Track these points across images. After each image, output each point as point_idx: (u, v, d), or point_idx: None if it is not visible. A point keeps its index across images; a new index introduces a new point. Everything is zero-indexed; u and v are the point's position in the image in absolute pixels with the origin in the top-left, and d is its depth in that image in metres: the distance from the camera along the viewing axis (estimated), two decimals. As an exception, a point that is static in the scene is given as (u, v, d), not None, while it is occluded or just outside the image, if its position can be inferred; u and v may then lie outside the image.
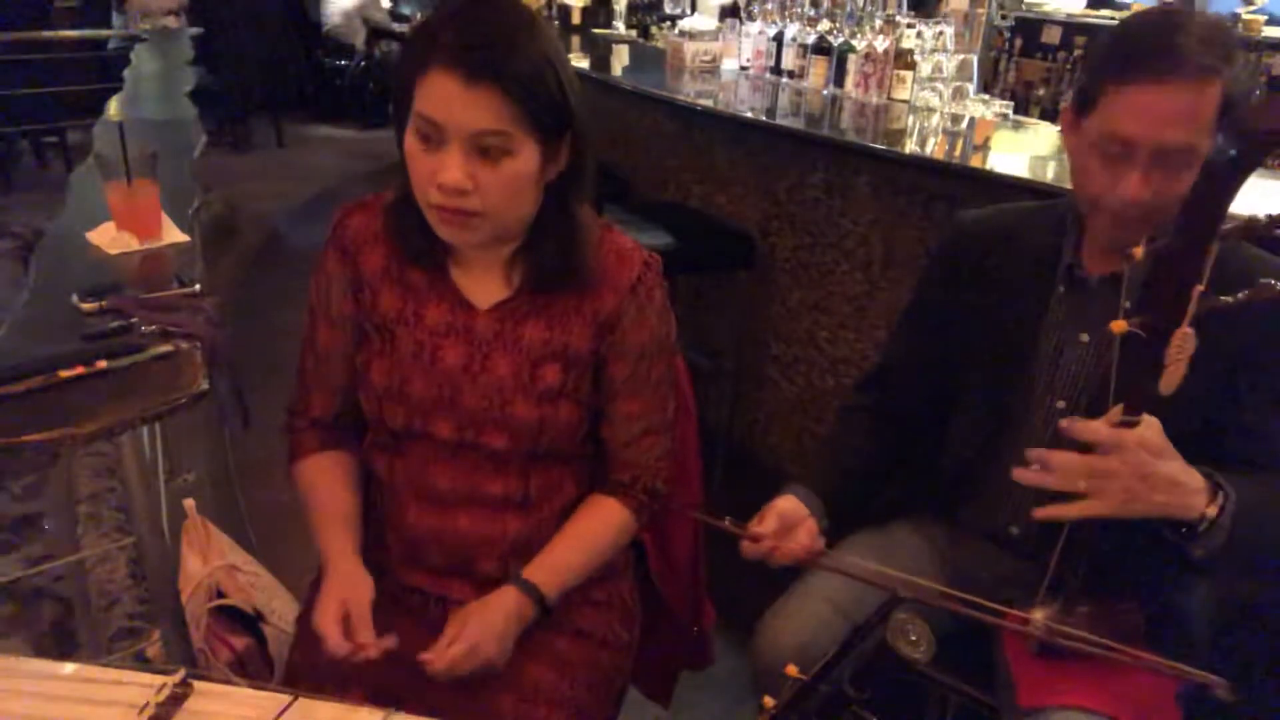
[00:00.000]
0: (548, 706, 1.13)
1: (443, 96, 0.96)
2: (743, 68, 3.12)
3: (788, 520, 1.22)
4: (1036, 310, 1.24)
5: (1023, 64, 3.77)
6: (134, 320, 1.38)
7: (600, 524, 1.20)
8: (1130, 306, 0.94)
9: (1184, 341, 0.90)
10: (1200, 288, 0.88)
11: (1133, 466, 0.97)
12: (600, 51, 3.24)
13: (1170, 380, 0.91)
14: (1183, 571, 1.15)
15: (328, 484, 1.20)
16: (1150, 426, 0.98)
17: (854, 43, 2.66)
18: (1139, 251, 0.92)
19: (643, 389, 1.18)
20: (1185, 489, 1.00)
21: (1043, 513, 1.03)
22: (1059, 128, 1.38)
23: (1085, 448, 1.00)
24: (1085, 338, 1.22)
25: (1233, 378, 1.10)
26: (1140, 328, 0.91)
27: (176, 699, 0.76)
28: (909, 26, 2.53)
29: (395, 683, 1.11)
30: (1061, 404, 1.24)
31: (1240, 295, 0.89)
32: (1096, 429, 0.98)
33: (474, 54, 0.95)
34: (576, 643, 1.20)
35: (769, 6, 3.04)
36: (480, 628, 1.09)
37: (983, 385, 1.29)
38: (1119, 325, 0.92)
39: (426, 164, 1.00)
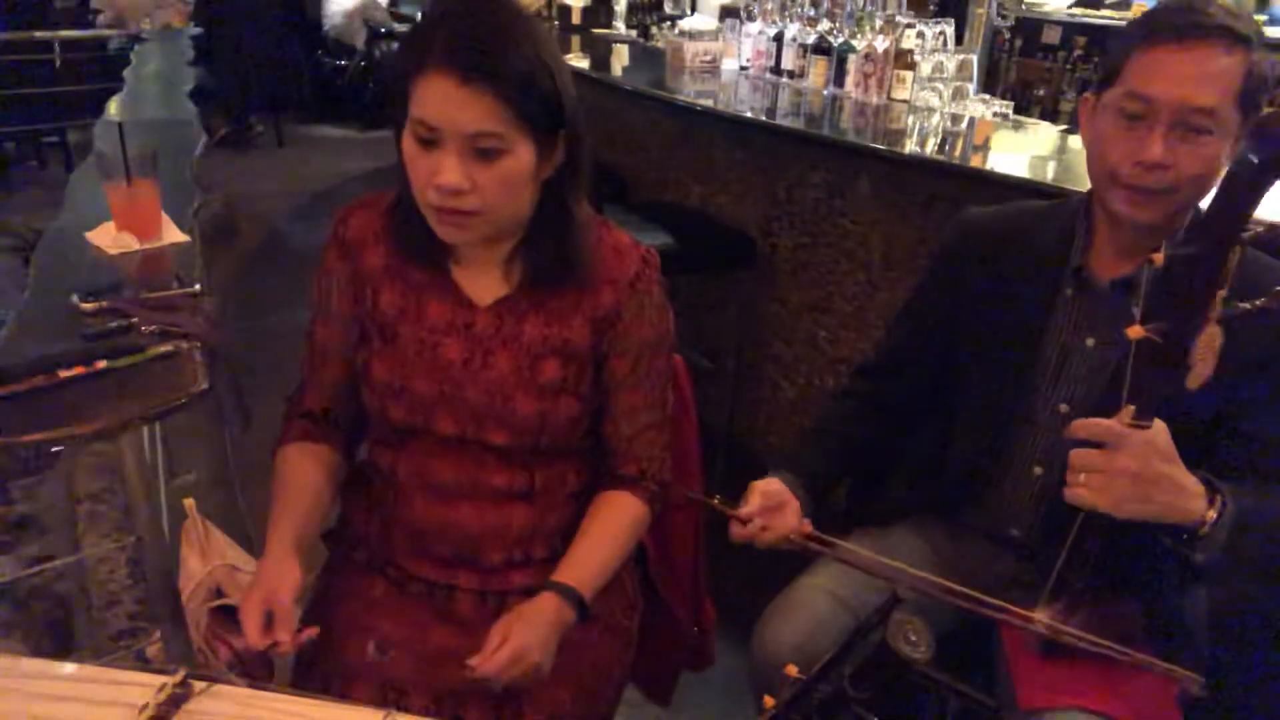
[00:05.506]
0: (550, 684, 1.13)
1: (438, 100, 0.97)
2: (743, 68, 3.12)
3: (771, 500, 1.23)
4: (1042, 313, 1.23)
5: (1023, 64, 3.77)
6: (134, 320, 1.38)
7: (620, 519, 1.21)
8: (1144, 311, 0.93)
9: (1212, 338, 0.89)
10: (1222, 292, 0.87)
11: (1139, 465, 0.97)
12: (600, 51, 3.24)
13: (1198, 376, 0.90)
14: (1183, 574, 1.15)
15: (296, 475, 1.19)
16: (1159, 430, 0.97)
17: (854, 43, 2.66)
18: (1159, 257, 0.91)
19: (644, 383, 1.19)
20: (1187, 493, 1.00)
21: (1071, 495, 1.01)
22: (1069, 124, 1.38)
23: (1094, 448, 0.99)
24: (1091, 342, 1.21)
25: (1242, 383, 1.09)
26: (1156, 333, 0.90)
27: (176, 699, 0.76)
28: (909, 26, 2.53)
29: (401, 674, 1.12)
30: (1065, 408, 1.23)
31: (1258, 302, 0.88)
32: (1105, 425, 0.98)
33: (468, 55, 0.96)
34: (579, 624, 1.19)
35: (769, 6, 3.04)
36: (525, 634, 1.07)
37: (985, 386, 1.29)
38: (1135, 330, 0.91)
39: (424, 166, 1.01)
